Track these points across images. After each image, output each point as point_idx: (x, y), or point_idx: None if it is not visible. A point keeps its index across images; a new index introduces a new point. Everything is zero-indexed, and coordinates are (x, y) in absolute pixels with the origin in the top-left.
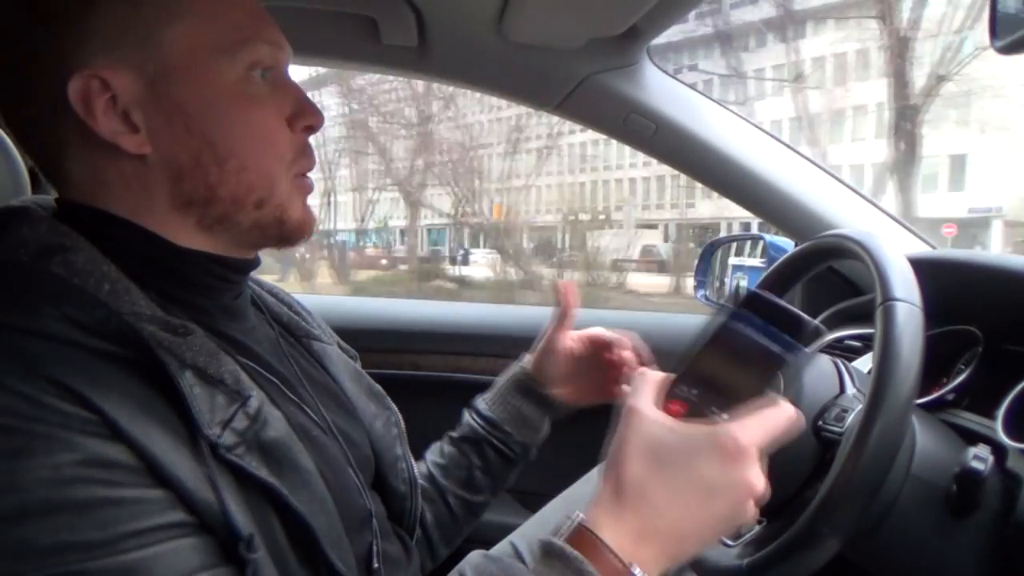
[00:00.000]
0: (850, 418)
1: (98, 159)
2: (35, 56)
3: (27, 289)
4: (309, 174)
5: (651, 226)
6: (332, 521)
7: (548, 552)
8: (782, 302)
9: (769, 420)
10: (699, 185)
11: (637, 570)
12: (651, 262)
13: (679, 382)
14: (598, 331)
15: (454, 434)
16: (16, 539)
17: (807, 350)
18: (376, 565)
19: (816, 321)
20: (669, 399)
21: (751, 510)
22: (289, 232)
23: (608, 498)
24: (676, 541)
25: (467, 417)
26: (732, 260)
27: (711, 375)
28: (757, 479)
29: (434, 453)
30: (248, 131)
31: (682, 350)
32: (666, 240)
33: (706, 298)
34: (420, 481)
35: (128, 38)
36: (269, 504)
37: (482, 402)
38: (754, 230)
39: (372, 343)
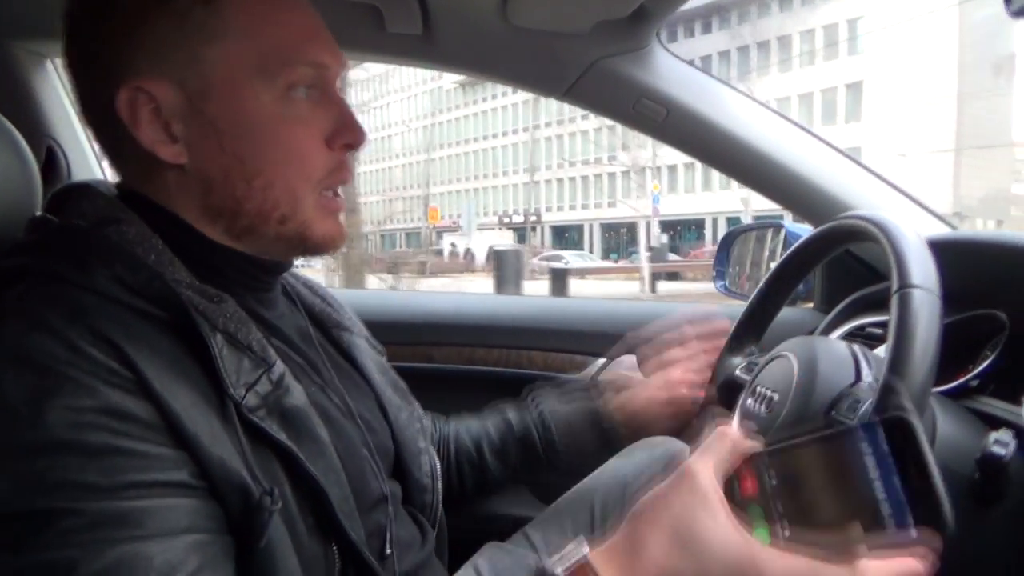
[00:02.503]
0: (862, 409)
1: (144, 162)
2: (93, 64)
3: (85, 250)
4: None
5: (514, 228)
6: (346, 494)
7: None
8: (931, 459)
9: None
10: (619, 186)
11: None
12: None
13: (764, 456)
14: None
15: (512, 430)
16: (30, 470)
17: (914, 534)
18: (388, 551)
19: (951, 515)
20: (746, 467)
21: None
22: (313, 246)
23: (622, 550)
24: None
25: (528, 420)
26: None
27: (801, 475)
28: None
29: (485, 430)
30: (279, 151)
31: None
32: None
33: (726, 288)
34: (463, 439)
35: (173, 54)
36: (283, 470)
37: (551, 419)
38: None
39: (390, 336)
